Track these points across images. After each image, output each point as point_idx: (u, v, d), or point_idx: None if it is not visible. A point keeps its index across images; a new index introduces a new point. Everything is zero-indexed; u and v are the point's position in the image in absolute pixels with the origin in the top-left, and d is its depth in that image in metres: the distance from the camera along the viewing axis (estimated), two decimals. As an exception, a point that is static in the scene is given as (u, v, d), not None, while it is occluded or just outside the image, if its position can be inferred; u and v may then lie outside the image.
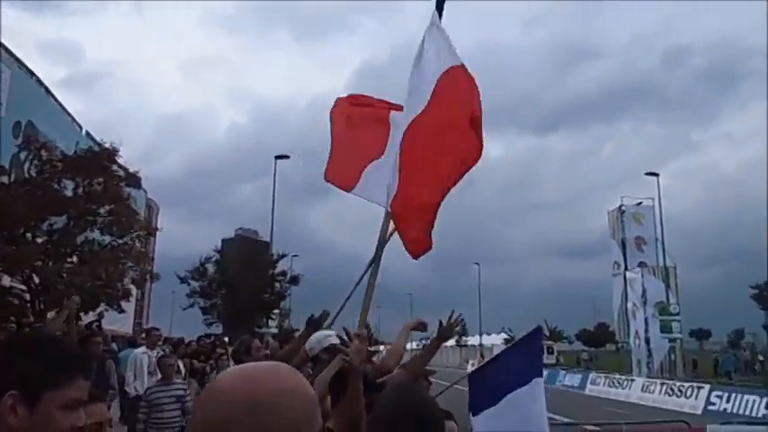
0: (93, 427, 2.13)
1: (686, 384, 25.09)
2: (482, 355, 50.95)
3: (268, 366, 1.07)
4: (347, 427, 2.38)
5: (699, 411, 21.33)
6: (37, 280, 17.33)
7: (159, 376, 9.39)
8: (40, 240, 17.93)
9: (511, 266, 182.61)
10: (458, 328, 3.96)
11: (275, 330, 37.10)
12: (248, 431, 0.97)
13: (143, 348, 10.63)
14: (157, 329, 11.81)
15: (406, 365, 4.10)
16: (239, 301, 34.80)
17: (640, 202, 39.10)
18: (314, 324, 4.38)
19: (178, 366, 9.92)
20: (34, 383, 1.41)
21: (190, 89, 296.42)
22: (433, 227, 3.69)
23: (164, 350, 10.47)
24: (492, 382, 4.25)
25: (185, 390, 7.49)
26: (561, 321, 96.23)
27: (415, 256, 3.74)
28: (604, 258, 42.57)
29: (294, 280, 37.87)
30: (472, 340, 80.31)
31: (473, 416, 4.24)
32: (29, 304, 17.33)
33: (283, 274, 37.91)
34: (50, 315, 17.44)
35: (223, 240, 56.67)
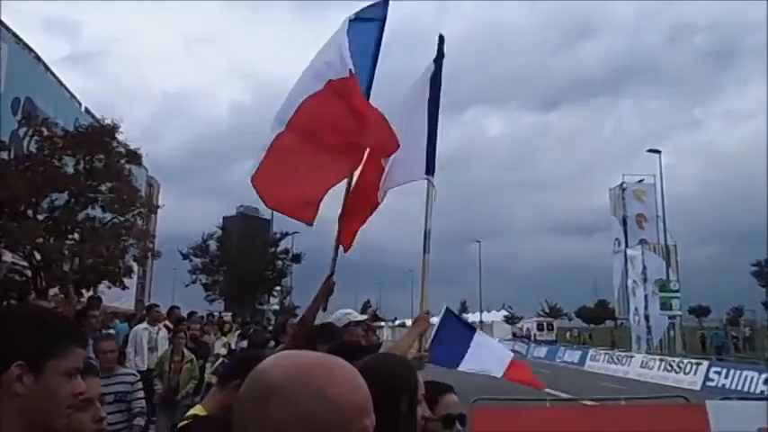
0: (83, 402, 2.08)
1: (685, 360, 25.19)
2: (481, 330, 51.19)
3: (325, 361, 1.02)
4: None
5: (698, 387, 21.44)
6: (38, 256, 17.38)
7: (159, 352, 9.40)
8: (41, 217, 17.95)
9: (511, 243, 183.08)
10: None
11: (277, 307, 37.34)
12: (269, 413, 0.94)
13: (144, 324, 10.68)
14: (158, 306, 11.84)
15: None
16: (241, 278, 34.98)
17: (642, 180, 39.02)
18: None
19: (123, 353, 8.73)
20: (38, 353, 1.47)
21: (191, 66, 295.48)
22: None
23: (167, 327, 10.52)
24: (450, 343, 4.82)
25: (132, 383, 5.49)
26: (561, 298, 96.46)
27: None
28: (605, 236, 42.66)
29: (296, 258, 37.98)
30: (473, 317, 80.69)
31: (459, 367, 4.78)
32: (30, 281, 17.41)
33: (285, 252, 38.04)
34: (52, 292, 17.55)
35: (224, 218, 56.85)
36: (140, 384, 5.55)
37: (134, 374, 5.76)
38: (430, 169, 4.26)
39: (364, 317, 4.43)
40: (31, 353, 1.46)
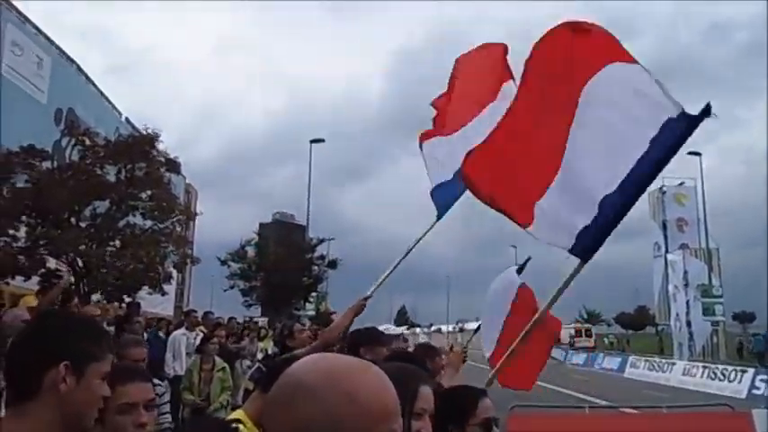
0: (126, 406, 2.11)
1: (729, 368, 24.54)
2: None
3: (352, 362, 1.04)
4: None
5: (743, 396, 20.84)
6: (81, 263, 17.76)
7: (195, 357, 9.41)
8: (83, 225, 18.36)
9: (548, 248, 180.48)
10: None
11: (312, 313, 37.49)
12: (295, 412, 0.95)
13: (182, 330, 10.82)
14: (195, 311, 12.00)
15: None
16: (278, 284, 35.22)
17: (682, 183, 38.21)
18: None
19: (162, 361, 8.53)
20: (83, 356, 1.56)
21: (226, 73, 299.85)
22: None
23: (203, 332, 10.63)
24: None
25: (160, 395, 4.31)
26: (600, 304, 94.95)
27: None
28: (645, 240, 41.83)
29: (332, 264, 38.09)
30: (509, 323, 79.80)
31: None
32: (73, 287, 17.78)
33: (322, 258, 38.19)
34: (95, 298, 17.91)
35: (261, 224, 57.42)
36: (167, 396, 4.92)
37: (162, 386, 4.79)
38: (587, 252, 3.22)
39: (401, 329, 4.61)
40: (77, 355, 1.54)
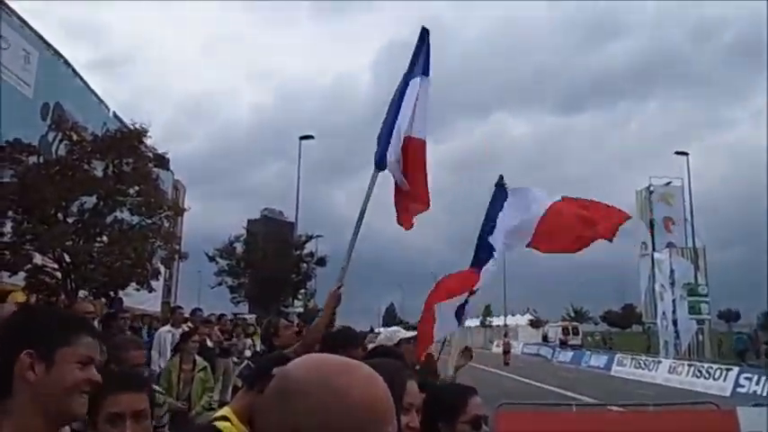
0: (112, 415, 2.07)
1: (714, 366, 24.75)
2: (506, 335, 50.91)
3: (342, 362, 1.03)
4: None
5: (727, 393, 21.04)
6: (68, 259, 17.64)
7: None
8: (70, 220, 18.23)
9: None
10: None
11: (300, 309, 37.45)
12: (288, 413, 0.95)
13: (168, 327, 10.77)
14: (181, 308, 11.94)
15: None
16: (266, 281, 35.15)
17: (669, 182, 38.40)
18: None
19: (148, 359, 8.21)
20: (48, 342, 1.53)
21: (214, 68, 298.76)
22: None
23: (189, 328, 10.57)
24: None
25: (161, 405, 4.41)
26: (587, 302, 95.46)
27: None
28: (631, 239, 42.02)
29: (321, 261, 38.03)
30: (497, 321, 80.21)
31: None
32: (60, 283, 17.67)
33: (310, 255, 38.12)
34: (82, 293, 17.80)
35: (249, 221, 57.20)
36: (167, 405, 4.76)
37: (162, 393, 4.80)
38: (380, 164, 4.59)
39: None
40: (40, 342, 1.52)
